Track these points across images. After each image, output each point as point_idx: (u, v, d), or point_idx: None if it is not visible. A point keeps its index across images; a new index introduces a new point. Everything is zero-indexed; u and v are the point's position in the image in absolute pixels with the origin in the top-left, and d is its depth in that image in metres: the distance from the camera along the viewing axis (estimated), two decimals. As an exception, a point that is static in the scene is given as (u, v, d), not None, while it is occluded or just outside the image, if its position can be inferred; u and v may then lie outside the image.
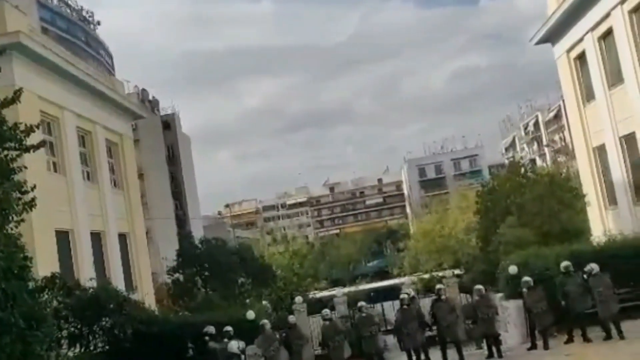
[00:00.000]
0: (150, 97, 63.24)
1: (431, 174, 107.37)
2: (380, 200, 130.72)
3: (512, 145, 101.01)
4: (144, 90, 61.04)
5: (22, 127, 10.66)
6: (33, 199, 10.93)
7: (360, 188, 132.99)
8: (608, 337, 14.58)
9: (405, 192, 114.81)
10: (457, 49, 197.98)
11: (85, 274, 20.11)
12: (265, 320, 16.41)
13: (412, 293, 18.54)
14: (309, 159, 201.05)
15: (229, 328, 15.44)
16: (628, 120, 22.90)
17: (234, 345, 13.54)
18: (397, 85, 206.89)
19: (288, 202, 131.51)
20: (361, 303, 17.94)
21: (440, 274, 30.65)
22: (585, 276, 14.93)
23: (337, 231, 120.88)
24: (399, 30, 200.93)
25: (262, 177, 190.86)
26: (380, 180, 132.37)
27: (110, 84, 27.61)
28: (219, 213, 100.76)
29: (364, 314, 15.51)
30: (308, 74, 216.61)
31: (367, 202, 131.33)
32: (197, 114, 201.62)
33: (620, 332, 14.43)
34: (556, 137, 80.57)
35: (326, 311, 17.20)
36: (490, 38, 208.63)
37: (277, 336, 16.14)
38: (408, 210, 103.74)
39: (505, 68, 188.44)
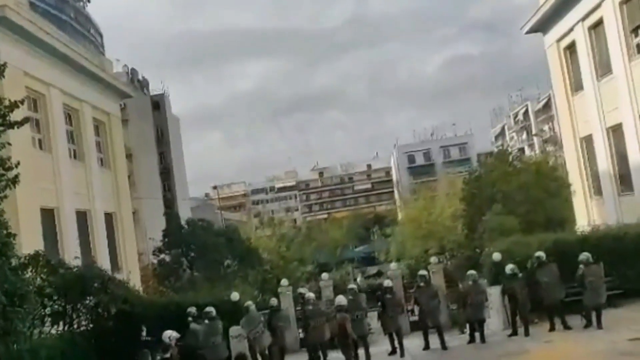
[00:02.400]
0: (140, 77, 62.71)
1: (420, 160, 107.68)
2: (369, 186, 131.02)
3: (502, 134, 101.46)
4: (133, 69, 60.52)
5: (6, 103, 10.58)
6: (17, 176, 10.88)
7: (349, 173, 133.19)
8: (588, 324, 14.77)
9: (394, 178, 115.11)
10: (450, 37, 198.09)
11: (70, 253, 20.04)
12: (250, 302, 16.43)
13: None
14: (298, 143, 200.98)
15: (211, 309, 15.46)
16: (615, 112, 23.03)
17: (166, 335, 13.34)
18: (390, 71, 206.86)
19: (277, 186, 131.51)
20: (350, 286, 18.04)
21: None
22: (580, 265, 15.06)
23: (325, 216, 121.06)
24: (393, 16, 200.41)
25: (251, 160, 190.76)
26: (369, 166, 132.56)
27: (98, 63, 27.38)
28: (207, 195, 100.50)
29: (351, 298, 15.57)
30: (300, 58, 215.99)
31: (356, 188, 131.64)
32: (188, 95, 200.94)
33: (599, 321, 14.62)
34: (545, 127, 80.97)
35: (310, 295, 17.27)
36: (483, 27, 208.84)
37: (262, 318, 16.18)
38: (396, 196, 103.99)
39: (498, 57, 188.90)
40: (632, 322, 14.58)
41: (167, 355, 12.49)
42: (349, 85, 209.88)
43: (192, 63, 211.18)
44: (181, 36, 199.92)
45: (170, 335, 13.27)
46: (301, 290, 18.22)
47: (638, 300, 16.50)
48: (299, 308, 19.23)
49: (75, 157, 24.49)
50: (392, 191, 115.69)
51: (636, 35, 21.56)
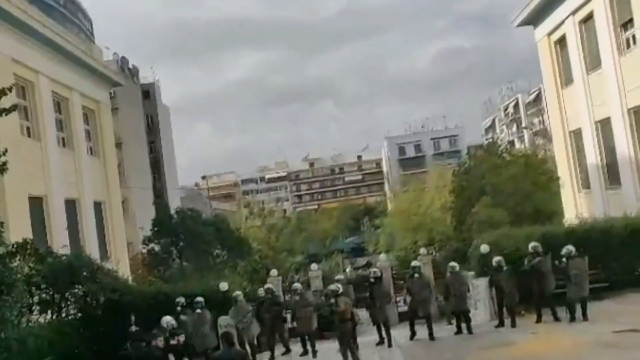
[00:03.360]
0: (130, 66, 62.21)
1: (411, 152, 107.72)
2: (360, 177, 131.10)
3: (492, 126, 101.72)
4: (123, 58, 60.00)
5: (-6, 90, 10.50)
6: (5, 163, 10.82)
7: (340, 164, 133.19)
8: (572, 318, 14.92)
9: (385, 170, 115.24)
10: (443, 30, 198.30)
11: (59, 241, 19.95)
12: (239, 292, 16.48)
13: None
14: (290, 134, 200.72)
15: (200, 299, 15.50)
16: (604, 105, 23.18)
17: (165, 320, 13.46)
18: (382, 63, 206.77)
19: (267, 176, 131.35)
20: (338, 277, 18.14)
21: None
22: (563, 258, 15.17)
23: (316, 206, 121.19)
24: (386, 8, 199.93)
25: (242, 150, 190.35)
26: (360, 157, 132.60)
27: (88, 50, 27.16)
28: (197, 185, 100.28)
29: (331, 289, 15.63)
30: (293, 49, 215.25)
31: (346, 179, 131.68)
32: (179, 84, 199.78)
33: (585, 314, 14.78)
34: (535, 120, 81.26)
35: (297, 285, 17.37)
36: (476, 20, 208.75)
37: (250, 308, 16.24)
38: (386, 188, 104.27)
39: (490, 50, 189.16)
40: (617, 314, 14.77)
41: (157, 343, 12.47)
42: (341, 76, 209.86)
43: (184, 52, 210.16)
44: (173, 24, 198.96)
45: (169, 321, 13.35)
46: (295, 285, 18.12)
47: (623, 293, 16.70)
48: (288, 298, 19.34)
49: (64, 145, 24.34)
50: (383, 183, 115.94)
51: (625, 30, 21.67)
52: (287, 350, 15.79)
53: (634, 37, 21.20)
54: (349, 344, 13.33)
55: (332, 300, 13.63)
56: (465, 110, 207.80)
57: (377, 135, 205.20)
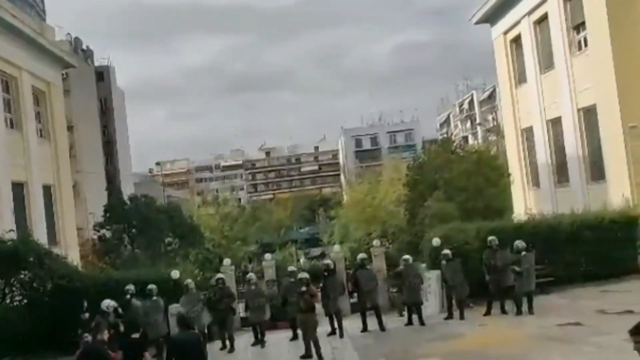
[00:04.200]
0: (84, 47, 60.64)
1: (367, 145, 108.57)
2: (316, 167, 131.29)
3: (447, 122, 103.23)
4: (77, 38, 58.39)
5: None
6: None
7: (296, 154, 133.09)
8: (519, 312, 15.32)
9: (341, 161, 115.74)
10: (403, 23, 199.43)
11: (5, 226, 19.40)
12: (190, 280, 16.35)
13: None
14: (246, 122, 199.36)
15: (152, 287, 15.32)
16: (555, 105, 23.80)
17: (105, 304, 13.16)
18: (342, 54, 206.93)
19: (222, 164, 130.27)
20: (291, 268, 18.14)
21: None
22: (516, 253, 15.53)
23: (271, 196, 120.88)
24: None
25: (198, 137, 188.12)
26: (316, 148, 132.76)
27: (38, 29, 26.34)
28: (150, 171, 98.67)
29: (292, 280, 15.66)
30: (253, 36, 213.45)
31: (303, 169, 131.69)
32: (136, 68, 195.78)
33: (531, 307, 15.20)
34: (489, 117, 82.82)
35: (251, 275, 17.33)
36: (435, 15, 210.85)
37: (201, 296, 16.14)
38: (342, 179, 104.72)
39: (448, 46, 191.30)
40: (561, 308, 15.26)
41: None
42: (301, 65, 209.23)
43: (143, 34, 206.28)
44: (133, 5, 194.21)
45: (108, 304, 13.11)
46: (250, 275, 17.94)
47: (568, 287, 17.26)
48: (241, 288, 19.27)
49: (12, 126, 23.63)
50: (339, 174, 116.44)
51: (578, 32, 22.26)
52: (231, 345, 15.69)
53: (585, 39, 21.80)
54: (313, 334, 13.37)
55: (304, 288, 13.67)
56: (421, 104, 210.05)
57: (335, 126, 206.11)
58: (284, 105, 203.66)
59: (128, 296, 15.04)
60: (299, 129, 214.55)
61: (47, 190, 25.55)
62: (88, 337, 10.09)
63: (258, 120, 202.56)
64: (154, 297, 15.22)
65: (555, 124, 24.25)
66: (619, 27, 19.62)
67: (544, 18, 24.07)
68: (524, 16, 25.20)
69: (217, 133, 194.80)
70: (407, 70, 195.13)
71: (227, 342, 15.74)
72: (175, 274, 16.88)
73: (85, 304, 14.82)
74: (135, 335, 10.22)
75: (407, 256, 16.90)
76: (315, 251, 62.31)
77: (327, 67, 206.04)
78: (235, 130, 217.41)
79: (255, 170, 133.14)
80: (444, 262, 16.23)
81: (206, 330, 15.97)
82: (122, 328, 10.38)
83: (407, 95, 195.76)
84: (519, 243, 15.62)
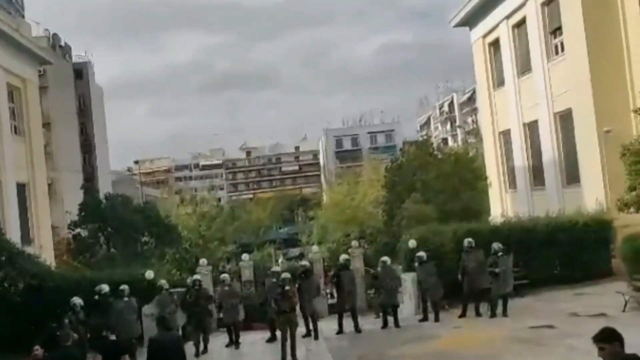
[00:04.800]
0: (62, 43, 59.86)
1: (348, 145, 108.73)
2: (296, 167, 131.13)
3: (427, 123, 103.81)
4: (55, 34, 57.61)
5: None
6: None
7: (277, 154, 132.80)
8: (493, 314, 15.41)
9: (321, 161, 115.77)
10: (387, 24, 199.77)
11: (-24, 224, 19.10)
12: (164, 281, 16.15)
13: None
14: (228, 120, 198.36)
15: (125, 287, 15.10)
16: (533, 108, 24.00)
17: (72, 301, 13.05)
18: (326, 54, 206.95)
19: (202, 163, 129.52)
20: (274, 268, 18.04)
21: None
22: (493, 255, 15.59)
23: (251, 196, 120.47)
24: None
25: (179, 135, 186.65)
26: (297, 148, 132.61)
27: (14, 24, 25.95)
28: (129, 169, 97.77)
29: (274, 280, 15.56)
30: (237, 34, 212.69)
31: (283, 169, 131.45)
32: (117, 65, 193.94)
33: (505, 309, 15.30)
34: (469, 119, 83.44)
35: (224, 276, 17.23)
36: (419, 16, 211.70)
37: (175, 297, 15.96)
38: (322, 180, 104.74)
39: (430, 47, 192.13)
40: (535, 310, 15.38)
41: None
42: (285, 64, 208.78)
43: (125, 30, 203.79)
44: (116, 1, 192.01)
45: (75, 302, 12.95)
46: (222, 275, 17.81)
47: (543, 290, 17.41)
48: (217, 288, 19.12)
49: (-15, 123, 23.26)
50: (319, 174, 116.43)
51: (555, 37, 22.47)
52: (205, 347, 15.54)
53: (562, 44, 22.01)
54: (292, 335, 13.30)
55: (287, 287, 13.63)
56: (402, 105, 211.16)
57: (316, 125, 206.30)
58: (268, 104, 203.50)
59: (96, 297, 14.76)
60: (282, 128, 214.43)
61: (21, 188, 25.19)
62: (39, 350, 9.51)
63: (240, 118, 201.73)
64: (126, 298, 14.98)
65: (532, 127, 24.47)
66: (595, 33, 19.84)
67: (522, 22, 24.28)
68: (503, 20, 25.40)
69: (198, 131, 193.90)
70: (390, 70, 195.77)
71: (202, 344, 15.58)
72: (149, 274, 16.70)
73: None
74: (112, 337, 10.12)
75: (385, 258, 16.90)
76: (294, 251, 62.12)
77: (312, 67, 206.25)
78: (216, 129, 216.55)
79: (235, 170, 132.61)
80: (416, 264, 16.26)
81: (180, 332, 15.79)
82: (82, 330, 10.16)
83: (390, 95, 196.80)
84: (496, 245, 15.73)
